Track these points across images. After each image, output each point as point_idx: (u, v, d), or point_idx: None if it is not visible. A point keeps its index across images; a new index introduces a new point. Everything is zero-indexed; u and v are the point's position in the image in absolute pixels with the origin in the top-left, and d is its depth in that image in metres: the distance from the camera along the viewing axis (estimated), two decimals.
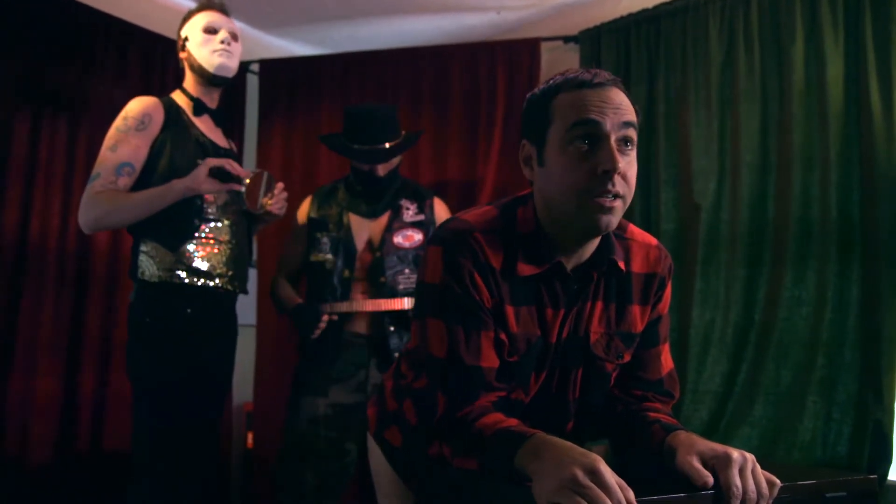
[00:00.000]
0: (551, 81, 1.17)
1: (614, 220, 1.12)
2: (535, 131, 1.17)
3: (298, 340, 2.43)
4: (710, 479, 0.99)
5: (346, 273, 2.34)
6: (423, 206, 2.46)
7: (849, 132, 2.27)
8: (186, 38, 2.21)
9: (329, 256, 2.36)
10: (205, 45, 2.17)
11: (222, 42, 2.18)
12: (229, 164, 2.10)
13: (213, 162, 2.06)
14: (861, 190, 2.24)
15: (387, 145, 2.35)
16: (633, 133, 1.12)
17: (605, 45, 2.88)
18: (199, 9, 2.23)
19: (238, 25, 2.32)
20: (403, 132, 2.43)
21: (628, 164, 1.11)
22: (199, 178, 2.04)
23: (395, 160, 2.42)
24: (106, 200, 2.01)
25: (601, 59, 2.88)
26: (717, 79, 2.55)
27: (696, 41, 2.61)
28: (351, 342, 2.34)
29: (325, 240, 2.38)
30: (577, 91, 1.12)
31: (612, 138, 1.09)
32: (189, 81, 2.23)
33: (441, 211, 2.51)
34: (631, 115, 1.12)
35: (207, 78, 2.20)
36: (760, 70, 2.47)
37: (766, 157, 2.44)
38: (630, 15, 2.81)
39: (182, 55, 2.23)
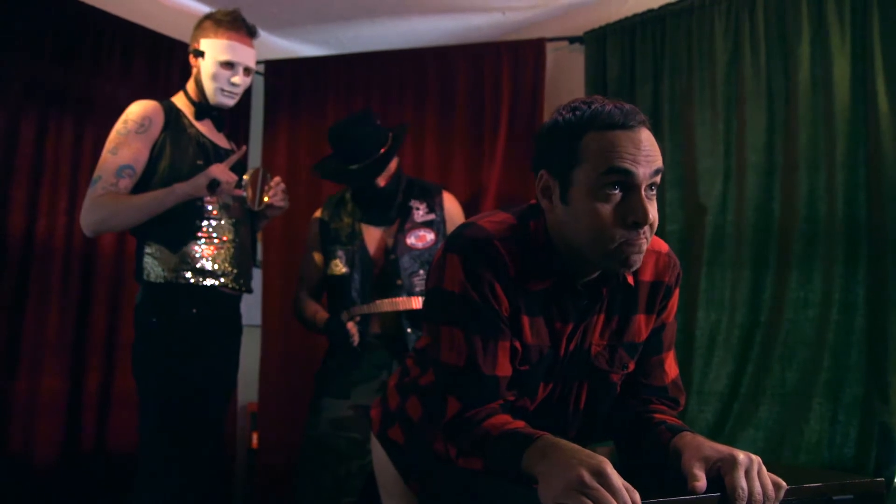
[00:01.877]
0: (576, 114, 1.10)
1: (637, 264, 1.11)
2: (558, 167, 1.12)
3: (329, 347, 2.43)
4: (700, 484, 0.99)
5: (364, 287, 2.34)
6: (433, 204, 2.44)
7: (855, 132, 2.26)
8: (202, 54, 2.17)
9: (346, 270, 2.36)
10: (215, 80, 2.16)
11: (233, 83, 2.18)
12: (227, 176, 2.10)
13: (214, 172, 2.08)
14: (867, 190, 2.23)
15: (381, 152, 2.31)
16: (659, 178, 1.11)
17: (610, 45, 2.88)
18: (227, 27, 2.17)
19: None
20: (390, 133, 2.38)
21: (652, 207, 1.09)
22: (199, 187, 2.06)
23: (392, 165, 2.37)
24: (107, 204, 2.02)
25: (606, 59, 2.88)
26: (722, 79, 2.54)
27: (702, 41, 2.60)
28: (371, 344, 2.35)
29: (341, 253, 2.37)
30: (608, 133, 1.07)
31: (643, 187, 1.07)
32: (192, 86, 2.24)
33: (451, 205, 2.49)
34: (660, 161, 1.10)
35: (206, 102, 2.22)
36: (766, 70, 2.46)
37: (772, 157, 2.43)
38: (635, 15, 2.81)
39: (192, 60, 2.22)
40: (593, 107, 1.10)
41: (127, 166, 2.06)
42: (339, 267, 2.36)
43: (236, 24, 2.18)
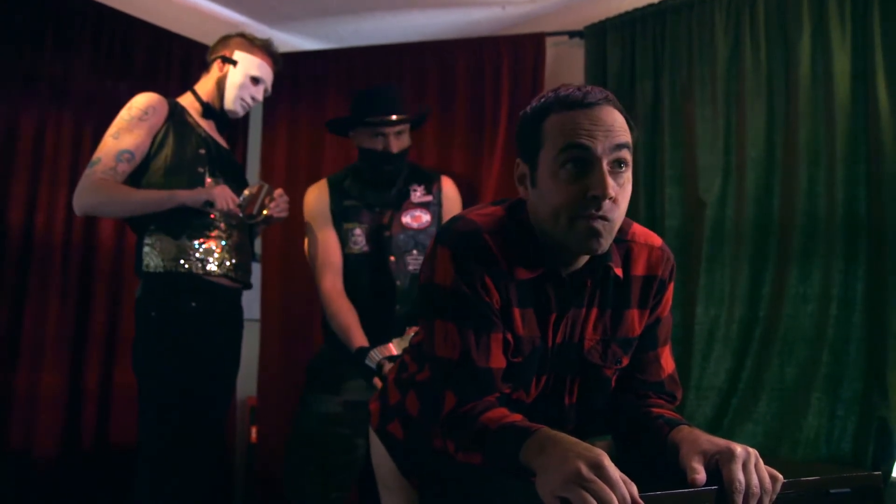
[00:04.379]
0: (543, 100, 1.15)
1: (605, 242, 1.11)
2: (527, 152, 1.17)
3: (326, 342, 2.43)
4: (700, 477, 0.99)
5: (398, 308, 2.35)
6: (431, 188, 2.48)
7: (855, 128, 2.26)
8: (235, 63, 2.26)
9: (366, 249, 2.37)
10: (241, 90, 2.27)
11: (253, 98, 2.30)
12: (228, 204, 2.12)
13: (217, 194, 2.11)
14: (867, 186, 2.23)
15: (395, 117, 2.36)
16: (626, 154, 1.10)
17: (610, 40, 2.87)
18: (261, 48, 2.30)
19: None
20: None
21: (621, 186, 1.09)
22: (197, 202, 2.11)
23: (405, 140, 2.40)
24: (106, 190, 2.05)
25: (606, 54, 2.87)
26: (722, 74, 2.53)
27: (702, 36, 2.60)
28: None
29: (359, 230, 2.38)
30: (568, 112, 1.09)
31: (605, 162, 1.07)
32: (207, 88, 2.29)
33: (449, 189, 2.52)
34: (624, 136, 1.10)
35: (219, 107, 2.29)
36: (766, 66, 2.45)
37: (772, 153, 2.43)
38: (636, 10, 2.80)
39: (218, 65, 2.27)
40: (558, 91, 1.13)
41: (127, 151, 2.09)
42: (360, 245, 2.37)
43: (270, 50, 2.34)
